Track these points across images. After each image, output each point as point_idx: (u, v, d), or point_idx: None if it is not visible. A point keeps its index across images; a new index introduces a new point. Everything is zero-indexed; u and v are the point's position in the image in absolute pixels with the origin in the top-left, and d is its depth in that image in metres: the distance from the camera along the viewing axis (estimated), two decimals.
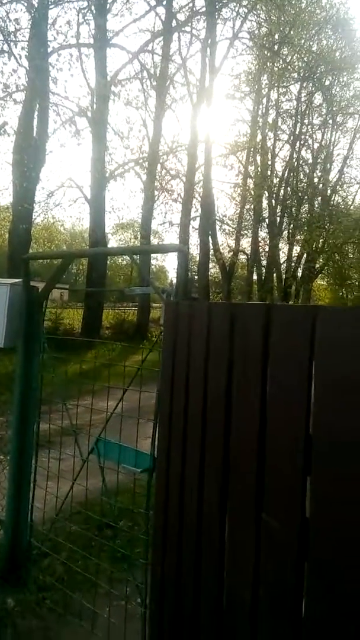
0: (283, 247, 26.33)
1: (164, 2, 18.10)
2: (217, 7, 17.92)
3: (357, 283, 30.59)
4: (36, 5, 14.54)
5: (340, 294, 32.25)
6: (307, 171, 26.30)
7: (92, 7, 16.37)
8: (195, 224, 20.33)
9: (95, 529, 3.05)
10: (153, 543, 1.89)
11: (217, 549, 1.37)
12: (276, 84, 22.94)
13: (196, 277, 23.27)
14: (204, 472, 1.49)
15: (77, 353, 9.31)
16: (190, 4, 18.91)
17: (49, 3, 14.90)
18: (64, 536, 2.78)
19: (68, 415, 2.45)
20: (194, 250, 22.60)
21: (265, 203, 24.43)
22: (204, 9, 18.33)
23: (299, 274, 27.32)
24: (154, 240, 27.98)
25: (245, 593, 1.21)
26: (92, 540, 2.80)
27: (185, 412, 1.65)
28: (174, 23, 18.26)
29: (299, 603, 1.00)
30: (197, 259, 21.61)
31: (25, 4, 14.62)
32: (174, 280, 19.18)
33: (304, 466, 1.03)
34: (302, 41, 21.53)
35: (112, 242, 32.08)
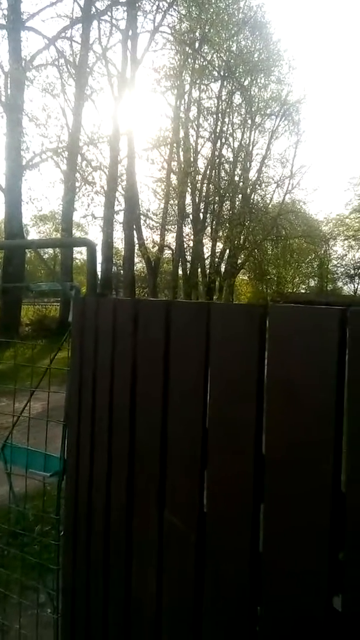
0: (207, 243, 26.90)
1: None
2: None
3: (275, 278, 32.17)
4: None
5: (261, 288, 33.72)
6: (228, 169, 27.04)
7: None
8: (120, 217, 20.08)
9: (10, 537, 2.91)
10: (63, 548, 1.83)
11: (124, 550, 1.35)
12: (197, 81, 23.25)
13: (122, 271, 23.06)
14: (112, 472, 1.46)
15: None
16: None
17: None
18: None
19: None
20: (119, 244, 22.35)
21: (188, 199, 24.76)
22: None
23: (222, 269, 28.10)
24: (77, 233, 27.22)
25: (150, 590, 1.20)
26: (4, 550, 2.66)
27: (93, 411, 1.61)
28: (93, 10, 17.77)
29: (199, 600, 1.01)
30: (123, 253, 21.39)
31: None
32: (99, 275, 18.81)
33: (202, 460, 1.04)
34: (222, 40, 21.99)
35: (32, 234, 30.71)
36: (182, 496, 1.09)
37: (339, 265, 36.50)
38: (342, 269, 36.36)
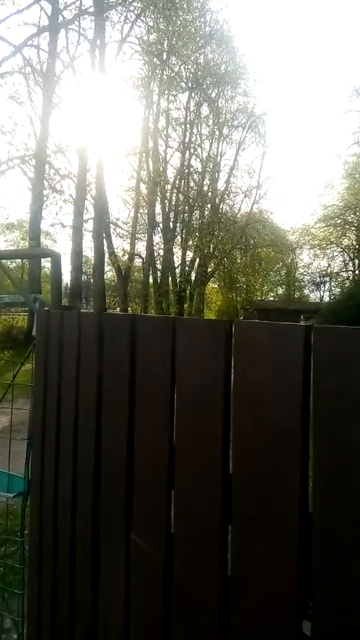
0: (177, 251, 27.02)
1: None
2: (104, 8, 17.76)
3: (244, 286, 32.59)
4: None
5: (230, 296, 34.07)
6: (197, 179, 27.33)
7: None
8: (89, 226, 19.91)
9: None
10: (28, 571, 1.76)
11: (91, 574, 1.30)
12: (165, 92, 23.48)
13: (92, 280, 22.81)
14: (77, 493, 1.41)
15: None
16: (77, 3, 18.51)
17: None
18: None
19: None
20: (89, 253, 22.14)
21: (158, 208, 24.85)
22: (91, 9, 18.07)
23: (193, 277, 28.26)
24: (45, 241, 26.81)
25: (117, 616, 1.16)
26: None
27: (58, 430, 1.55)
28: (60, 19, 17.70)
29: (168, 627, 0.98)
30: (92, 262, 21.20)
31: None
32: (69, 285, 18.54)
33: (169, 479, 1.01)
34: (189, 52, 22.33)
35: None
36: (149, 517, 1.06)
37: (305, 273, 37.38)
38: (309, 277, 37.24)
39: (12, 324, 17.08)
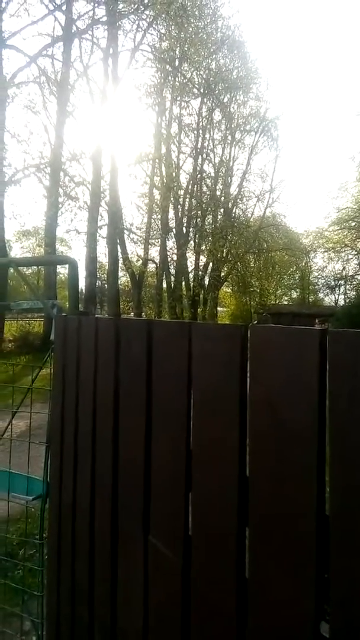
0: (190, 256, 27.07)
1: (63, 8, 17.78)
2: (117, 17, 18.00)
3: (258, 290, 32.44)
4: None
5: (244, 300, 33.93)
6: (210, 184, 27.39)
7: None
8: (104, 232, 20.08)
9: None
10: (47, 573, 1.78)
11: (110, 576, 1.32)
12: (178, 98, 23.64)
13: (106, 286, 22.99)
14: (95, 495, 1.43)
15: None
16: (91, 13, 18.79)
17: None
18: None
19: None
20: (103, 258, 22.32)
21: (171, 213, 24.95)
22: (104, 19, 18.33)
23: (206, 282, 28.25)
24: (60, 248, 27.12)
25: (136, 617, 1.17)
26: None
27: (76, 433, 1.58)
28: (74, 29, 17.99)
29: (186, 630, 0.99)
30: (107, 267, 21.36)
31: None
32: (83, 290, 18.72)
33: (186, 482, 1.02)
34: (201, 58, 22.48)
35: (16, 250, 30.47)
36: (167, 519, 1.07)
37: (319, 276, 37.05)
38: (323, 281, 36.90)
39: (28, 330, 17.29)
